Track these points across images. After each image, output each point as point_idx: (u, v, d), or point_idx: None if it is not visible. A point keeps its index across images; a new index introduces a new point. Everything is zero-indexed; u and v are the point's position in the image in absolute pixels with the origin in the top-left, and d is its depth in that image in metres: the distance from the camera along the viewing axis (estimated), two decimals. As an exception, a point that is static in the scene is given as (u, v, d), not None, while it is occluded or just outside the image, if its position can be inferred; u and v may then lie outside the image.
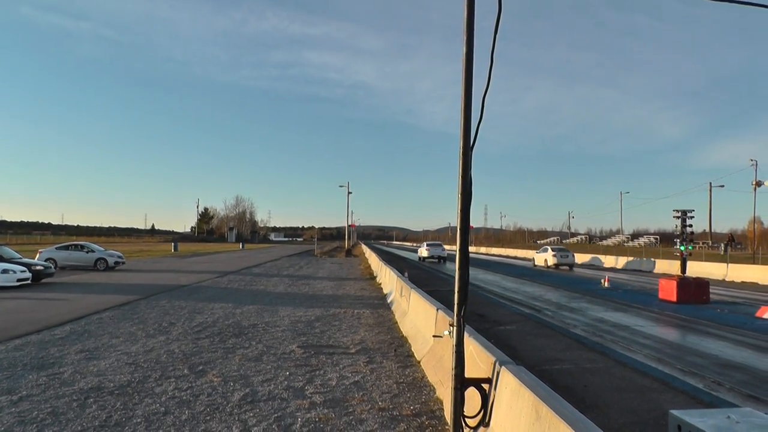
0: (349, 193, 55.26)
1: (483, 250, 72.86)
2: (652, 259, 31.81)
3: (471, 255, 4.08)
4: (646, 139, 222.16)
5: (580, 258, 39.83)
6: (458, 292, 3.99)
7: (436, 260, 36.43)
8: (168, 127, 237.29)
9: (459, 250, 4.00)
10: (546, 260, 33.23)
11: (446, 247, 40.89)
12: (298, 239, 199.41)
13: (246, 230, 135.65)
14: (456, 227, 4.02)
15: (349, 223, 63.11)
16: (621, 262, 35.34)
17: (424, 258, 36.86)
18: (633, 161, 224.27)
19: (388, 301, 13.35)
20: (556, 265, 32.34)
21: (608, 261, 37.54)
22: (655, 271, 29.75)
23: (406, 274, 17.46)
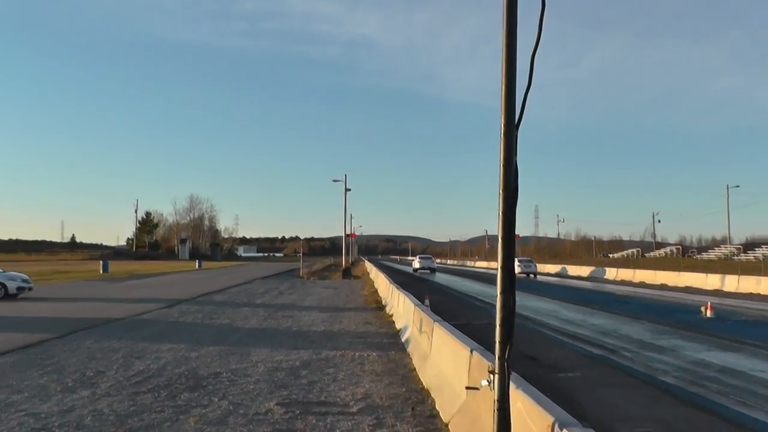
0: (347, 190, 55.42)
1: (551, 269, 72.35)
2: (604, 268, 50.12)
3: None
4: (758, 114, 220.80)
5: (550, 268, 61.68)
6: (500, 326, 3.96)
7: (428, 271, 58.95)
8: (94, 103, 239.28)
9: (501, 266, 3.97)
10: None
11: (484, 264, 66.74)
12: (277, 255, 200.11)
13: (204, 243, 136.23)
14: (496, 236, 4.00)
15: (348, 232, 63.15)
16: (586, 271, 53.67)
17: (417, 269, 59.95)
18: (742, 144, 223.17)
19: (403, 339, 13.32)
20: (525, 274, 49.29)
21: (573, 270, 56.23)
22: (605, 277, 47.19)
23: (426, 302, 17.41)
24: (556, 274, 62.70)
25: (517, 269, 48.56)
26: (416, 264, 62.19)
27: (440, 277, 50.77)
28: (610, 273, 51.29)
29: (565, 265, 67.74)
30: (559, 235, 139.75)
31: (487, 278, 47.76)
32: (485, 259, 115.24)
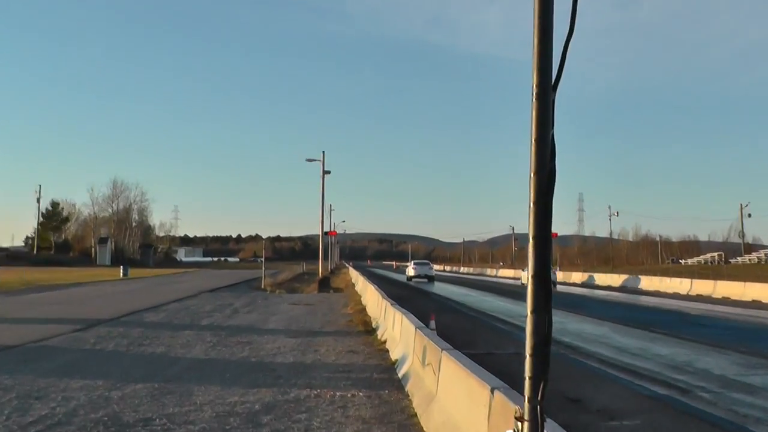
0: (325, 172, 55.43)
1: (575, 277, 72.87)
2: (639, 277, 55.29)
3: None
4: None
5: (571, 276, 69.10)
6: (532, 356, 3.96)
7: (424, 279, 67.22)
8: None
9: (532, 275, 3.98)
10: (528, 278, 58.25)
11: (510, 273, 75.21)
12: (231, 259, 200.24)
13: (132, 243, 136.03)
14: (526, 235, 4.00)
15: (327, 230, 63.16)
16: (618, 279, 60.56)
17: (411, 277, 68.96)
18: None
19: (400, 373, 13.35)
20: None
21: (602, 279, 64.55)
22: (642, 287, 53.24)
23: (432, 324, 17.42)
24: (583, 284, 64.40)
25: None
26: (410, 271, 71.33)
27: (450, 291, 50.88)
28: (682, 285, 51.32)
29: (593, 273, 73.73)
30: (611, 234, 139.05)
31: (514, 292, 47.87)
32: (511, 265, 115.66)
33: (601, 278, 66.35)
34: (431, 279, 68.09)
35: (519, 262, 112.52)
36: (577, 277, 72.65)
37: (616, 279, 63.04)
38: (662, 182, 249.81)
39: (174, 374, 13.68)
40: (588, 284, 65.01)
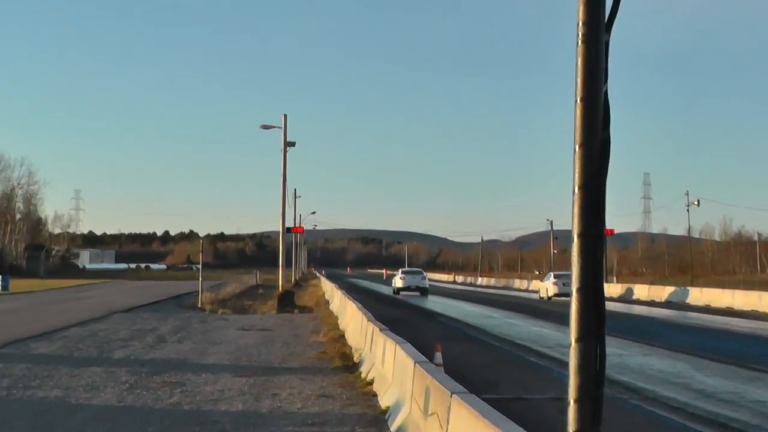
0: (288, 143, 55.38)
1: (639, 292, 72.95)
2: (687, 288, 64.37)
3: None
4: None
5: (634, 290, 74.33)
6: (577, 401, 3.99)
7: (416, 292, 73.28)
8: None
9: (577, 287, 4.00)
10: (547, 290, 66.63)
11: (535, 284, 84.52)
12: (155, 266, 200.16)
13: (14, 243, 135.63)
14: (569, 232, 4.02)
15: (290, 225, 63.15)
16: (663, 292, 67.50)
17: (399, 289, 75.47)
18: None
19: (393, 426, 13.40)
20: (557, 296, 60.98)
21: (674, 293, 67.26)
22: (735, 305, 54.03)
23: (438, 356, 17.47)
24: (620, 299, 67.35)
25: (552, 288, 69.48)
26: (398, 282, 77.42)
27: (463, 310, 51.00)
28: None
29: (631, 285, 78.74)
30: (689, 231, 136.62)
31: (552, 312, 47.92)
32: (536, 280, 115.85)
33: (674, 293, 66.24)
34: (424, 291, 74.34)
35: (561, 270, 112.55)
36: (642, 291, 72.80)
37: (696, 294, 62.73)
38: (761, 160, 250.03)
39: (74, 428, 13.67)
40: (625, 298, 67.24)
